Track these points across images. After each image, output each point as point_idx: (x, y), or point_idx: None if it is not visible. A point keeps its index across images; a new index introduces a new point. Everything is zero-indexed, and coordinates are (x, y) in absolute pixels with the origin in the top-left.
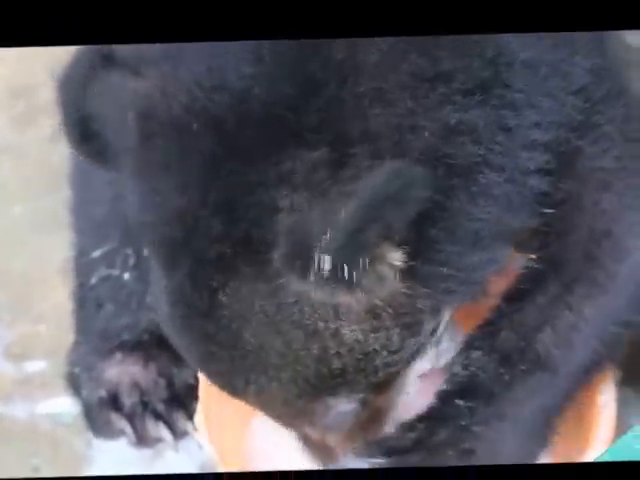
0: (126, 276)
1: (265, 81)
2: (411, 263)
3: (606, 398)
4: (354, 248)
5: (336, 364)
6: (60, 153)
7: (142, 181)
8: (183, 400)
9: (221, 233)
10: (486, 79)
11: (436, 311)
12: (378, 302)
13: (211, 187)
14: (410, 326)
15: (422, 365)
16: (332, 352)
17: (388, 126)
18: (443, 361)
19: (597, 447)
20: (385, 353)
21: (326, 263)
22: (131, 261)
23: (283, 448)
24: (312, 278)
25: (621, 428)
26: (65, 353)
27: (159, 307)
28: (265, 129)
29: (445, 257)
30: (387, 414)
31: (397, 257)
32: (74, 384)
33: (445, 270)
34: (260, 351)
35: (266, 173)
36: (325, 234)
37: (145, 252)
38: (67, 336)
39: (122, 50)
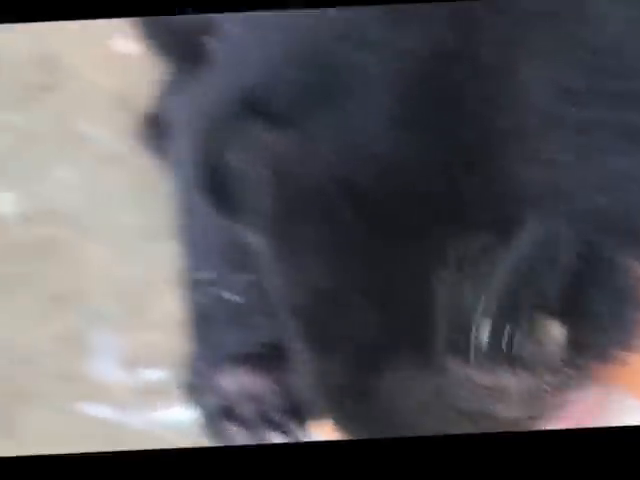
0: (237, 299)
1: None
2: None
3: None
4: (510, 312)
5: None
6: None
7: (284, 255)
8: (300, 410)
9: (379, 321)
10: None
11: None
12: (539, 381)
13: (363, 270)
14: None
15: None
16: None
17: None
18: None
19: None
20: None
21: (485, 329)
22: (243, 286)
23: None
24: (472, 355)
25: None
26: (180, 362)
27: (302, 380)
28: (422, 206)
29: (602, 318)
30: None
31: (556, 327)
32: (191, 393)
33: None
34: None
35: (429, 260)
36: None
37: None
38: (182, 345)
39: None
